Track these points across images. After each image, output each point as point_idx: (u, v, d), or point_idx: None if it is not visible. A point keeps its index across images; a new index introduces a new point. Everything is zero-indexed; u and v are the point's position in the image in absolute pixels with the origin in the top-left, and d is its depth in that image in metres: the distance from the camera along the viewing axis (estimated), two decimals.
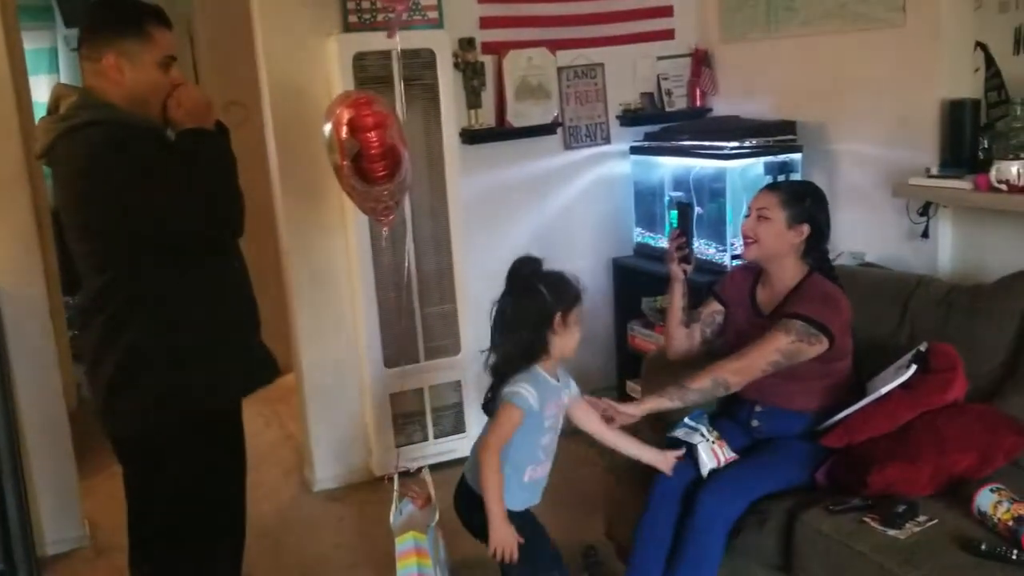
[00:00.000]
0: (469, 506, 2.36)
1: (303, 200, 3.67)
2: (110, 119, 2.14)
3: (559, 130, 4.07)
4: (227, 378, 2.31)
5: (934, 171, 3.01)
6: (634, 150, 4.14)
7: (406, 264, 3.27)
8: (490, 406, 2.35)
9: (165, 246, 2.16)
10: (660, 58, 4.23)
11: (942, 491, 2.28)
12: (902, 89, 3.21)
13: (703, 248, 3.76)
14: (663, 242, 4.00)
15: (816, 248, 2.63)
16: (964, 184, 2.85)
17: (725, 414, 2.77)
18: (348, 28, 3.60)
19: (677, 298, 2.75)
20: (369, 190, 2.56)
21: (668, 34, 4.23)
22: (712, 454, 2.50)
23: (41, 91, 5.87)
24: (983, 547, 2.05)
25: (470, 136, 3.87)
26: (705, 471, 2.48)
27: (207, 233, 2.21)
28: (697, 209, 3.77)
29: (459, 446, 3.91)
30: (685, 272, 2.70)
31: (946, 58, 3.04)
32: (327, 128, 2.64)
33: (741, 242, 2.71)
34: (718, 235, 3.68)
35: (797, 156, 3.61)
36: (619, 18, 4.13)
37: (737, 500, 2.44)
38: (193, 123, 2.23)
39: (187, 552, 2.33)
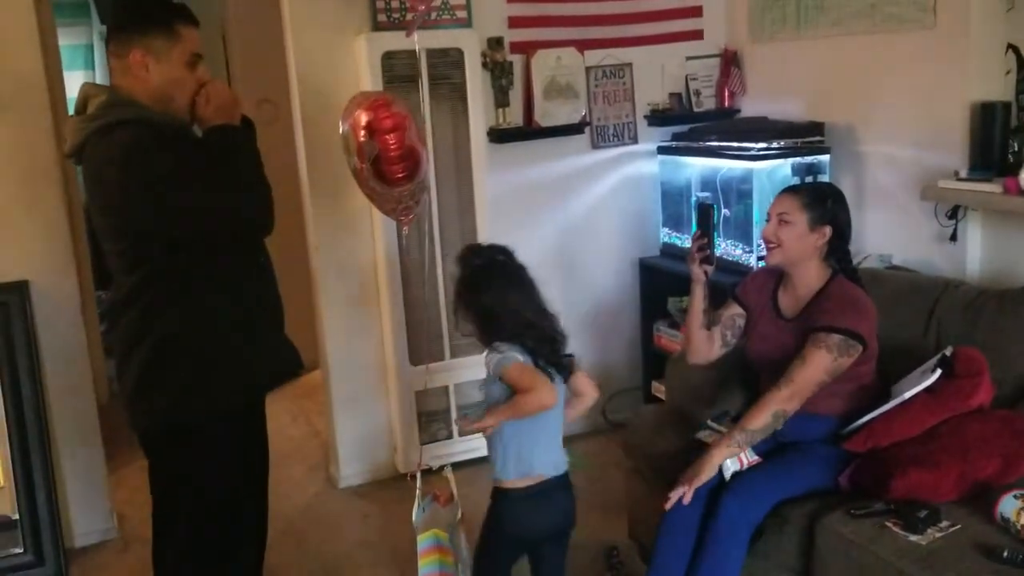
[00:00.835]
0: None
1: (330, 197, 3.71)
2: (139, 118, 2.16)
3: (587, 130, 4.07)
4: (253, 374, 2.34)
5: (963, 174, 2.98)
6: (661, 150, 4.14)
7: (425, 264, 3.28)
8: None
9: (194, 244, 2.19)
10: (689, 58, 4.22)
11: (965, 497, 2.26)
12: (932, 91, 3.18)
13: (729, 249, 3.75)
14: (689, 243, 3.99)
15: (838, 249, 2.62)
16: (993, 187, 2.83)
17: None
18: (377, 27, 3.62)
19: (698, 300, 2.73)
20: (389, 192, 2.57)
21: (697, 34, 4.22)
22: (735, 457, 2.49)
23: (76, 87, 5.97)
24: (1005, 554, 2.03)
25: (498, 135, 3.89)
26: (728, 474, 2.47)
27: (238, 230, 2.24)
28: (724, 211, 3.77)
29: (482, 444, 3.89)
30: (707, 273, 2.69)
31: (977, 60, 3.01)
32: (344, 129, 2.66)
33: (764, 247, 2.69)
34: (745, 236, 3.67)
35: (825, 158, 3.59)
36: (648, 18, 4.12)
37: (760, 503, 2.43)
38: (221, 119, 2.25)
39: (210, 546, 2.36)
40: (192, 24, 2.26)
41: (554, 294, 4.07)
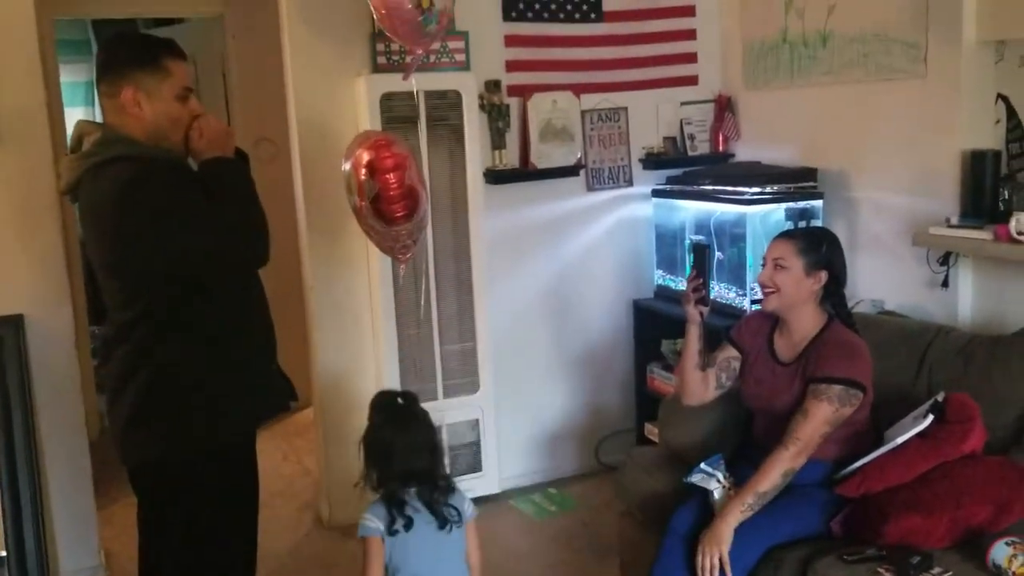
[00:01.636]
0: None
1: (327, 236, 3.73)
2: (134, 154, 2.16)
3: (582, 172, 4.11)
4: (245, 407, 2.34)
5: (954, 221, 3.01)
6: (656, 193, 4.18)
7: (422, 301, 3.30)
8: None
9: (190, 280, 2.19)
10: (684, 103, 4.27)
11: (958, 543, 2.26)
12: (923, 139, 3.22)
13: (723, 292, 3.77)
14: (683, 285, 4.01)
15: (834, 294, 2.64)
16: (984, 234, 2.86)
17: (742, 460, 2.77)
18: (377, 69, 3.67)
19: (693, 340, 2.74)
20: (388, 230, 2.60)
21: (692, 80, 4.28)
22: (727, 500, 2.49)
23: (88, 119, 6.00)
24: None
25: (494, 176, 3.92)
26: (717, 508, 2.47)
27: (235, 262, 2.24)
28: (718, 254, 3.80)
29: (475, 485, 3.91)
30: (702, 315, 2.70)
31: (967, 109, 3.06)
32: (346, 168, 2.68)
33: (759, 292, 2.70)
34: (738, 279, 3.69)
35: (818, 203, 3.63)
36: (644, 63, 4.18)
37: (752, 547, 2.42)
38: (215, 152, 2.26)
39: None
40: (180, 58, 2.27)
41: (548, 334, 4.14)
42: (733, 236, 3.73)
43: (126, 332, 2.22)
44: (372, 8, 2.68)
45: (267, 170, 4.73)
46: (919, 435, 2.43)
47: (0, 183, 3.19)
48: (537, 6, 3.96)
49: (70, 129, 2.38)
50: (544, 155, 3.99)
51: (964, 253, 3.07)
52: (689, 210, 4.01)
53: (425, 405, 3.55)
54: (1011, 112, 2.99)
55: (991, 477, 2.31)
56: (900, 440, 2.44)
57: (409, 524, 2.21)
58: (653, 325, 4.10)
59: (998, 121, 3.03)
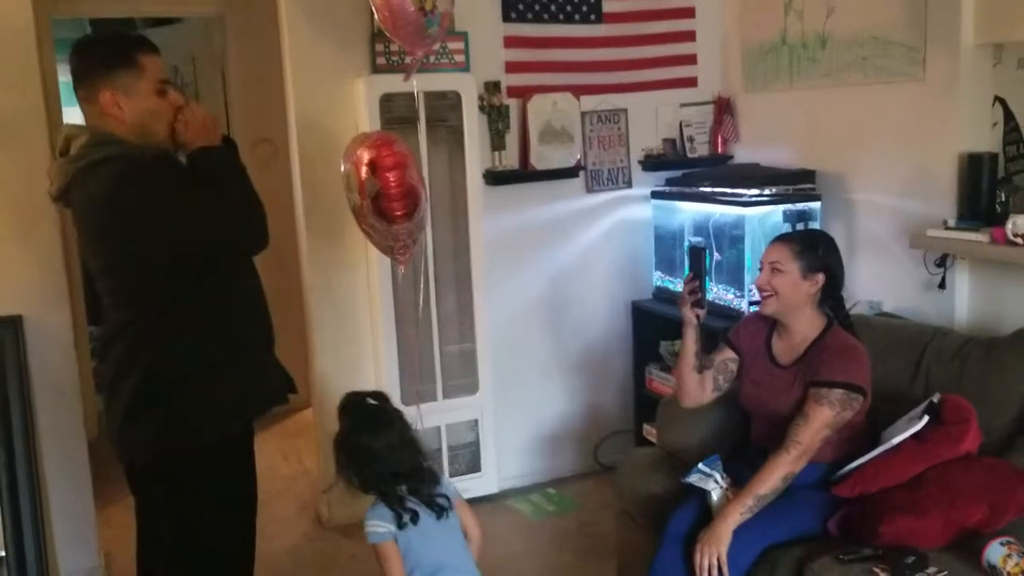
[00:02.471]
0: None
1: (327, 237, 3.74)
2: (123, 154, 2.16)
3: (581, 173, 4.12)
4: (242, 401, 2.34)
5: (951, 223, 3.02)
6: (655, 195, 4.18)
7: (420, 302, 3.31)
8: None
9: (183, 276, 2.18)
10: (683, 105, 4.28)
11: (953, 543, 2.27)
12: (921, 141, 3.23)
13: (721, 293, 3.78)
14: (682, 286, 4.02)
15: (831, 296, 2.65)
16: (981, 237, 2.86)
17: (739, 460, 2.77)
18: (376, 70, 3.68)
19: (690, 342, 2.75)
20: (388, 229, 2.61)
21: (691, 82, 4.29)
22: (726, 501, 2.50)
23: (74, 122, 6.00)
24: None
25: (494, 177, 3.93)
26: (716, 509, 2.48)
27: (235, 246, 2.24)
28: (716, 256, 3.81)
29: (474, 485, 3.92)
30: (698, 317, 2.71)
31: (965, 112, 3.07)
32: (346, 168, 2.69)
33: (758, 295, 2.71)
34: (736, 281, 3.70)
35: (816, 205, 3.63)
36: (643, 65, 4.19)
37: (749, 548, 2.43)
38: (202, 141, 2.26)
39: None
40: (152, 52, 2.25)
41: (547, 335, 4.15)
42: (732, 238, 3.74)
43: (120, 332, 2.23)
44: (375, 10, 2.69)
45: (266, 171, 4.74)
46: (915, 436, 2.43)
47: None
48: (537, 7, 3.97)
49: None
50: (543, 156, 4.00)
51: (961, 255, 3.07)
52: (688, 212, 4.02)
53: (424, 406, 3.61)
54: (1008, 115, 3.00)
55: (986, 478, 2.32)
56: (896, 441, 2.45)
57: (415, 517, 2.23)
58: (652, 326, 4.11)
59: (995, 124, 3.04)
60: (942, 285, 3.16)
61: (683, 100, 4.28)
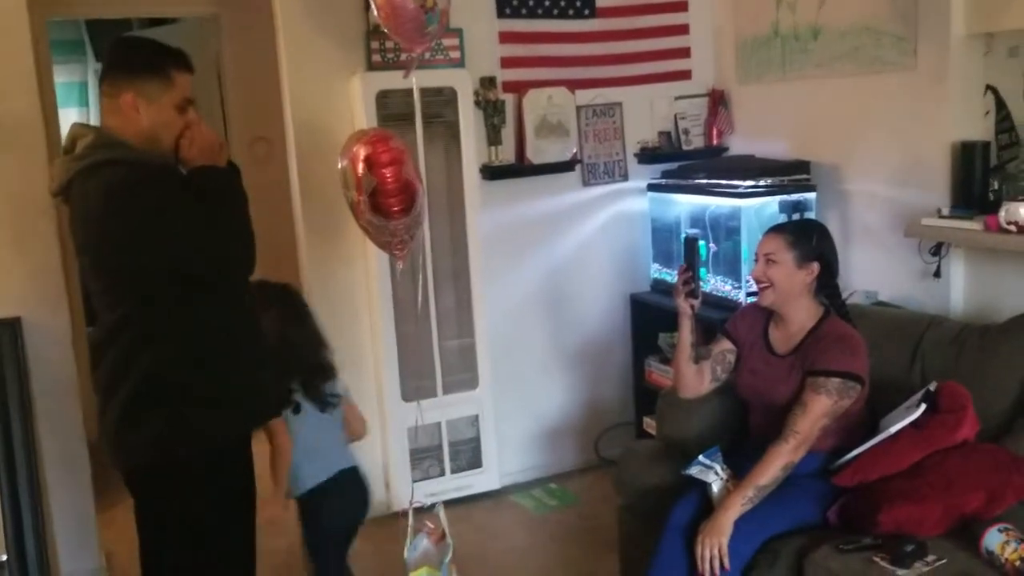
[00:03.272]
0: None
1: (324, 234, 3.74)
2: (126, 158, 2.17)
3: (578, 167, 4.13)
4: (235, 412, 2.33)
5: (945, 212, 3.03)
6: (651, 187, 4.20)
7: (419, 298, 3.32)
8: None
9: (177, 282, 2.19)
10: (678, 98, 4.29)
11: (951, 530, 2.29)
12: (914, 131, 3.25)
13: (719, 285, 3.79)
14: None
15: (827, 284, 2.66)
16: (974, 225, 2.88)
17: (739, 452, 2.79)
18: (372, 67, 3.69)
19: (686, 333, 2.76)
20: (385, 225, 2.61)
21: (685, 75, 4.30)
22: (726, 492, 2.51)
23: (70, 124, 6.00)
24: None
25: (490, 172, 3.94)
26: (716, 500, 2.50)
27: (219, 268, 2.24)
28: (712, 246, 3.82)
29: (476, 481, 3.94)
30: (693, 307, 2.72)
31: (957, 101, 3.08)
32: (343, 165, 2.70)
33: (755, 286, 2.72)
34: (734, 272, 3.72)
35: (811, 195, 3.65)
36: (638, 59, 4.20)
37: (750, 539, 2.44)
38: (205, 161, 2.27)
39: None
40: (187, 70, 2.28)
41: (546, 329, 4.16)
42: (728, 229, 3.76)
43: (113, 335, 2.23)
44: (375, 8, 2.68)
45: (263, 169, 4.75)
46: (912, 424, 2.45)
47: None
48: (531, 3, 3.97)
49: (64, 130, 2.39)
50: (540, 151, 4.01)
51: (955, 243, 3.09)
52: (684, 204, 4.03)
53: (425, 402, 3.63)
54: (1000, 103, 3.01)
55: (983, 465, 2.34)
56: (893, 430, 2.47)
57: (297, 408, 2.70)
58: (650, 319, 4.13)
59: (987, 112, 3.05)
60: (937, 274, 3.17)
61: (678, 93, 4.29)
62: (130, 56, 2.29)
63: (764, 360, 2.71)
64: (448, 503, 2.94)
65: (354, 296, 3.82)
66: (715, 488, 2.55)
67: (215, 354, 2.27)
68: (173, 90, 2.24)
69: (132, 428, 2.24)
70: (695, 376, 2.80)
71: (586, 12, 4.07)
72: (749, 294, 3.56)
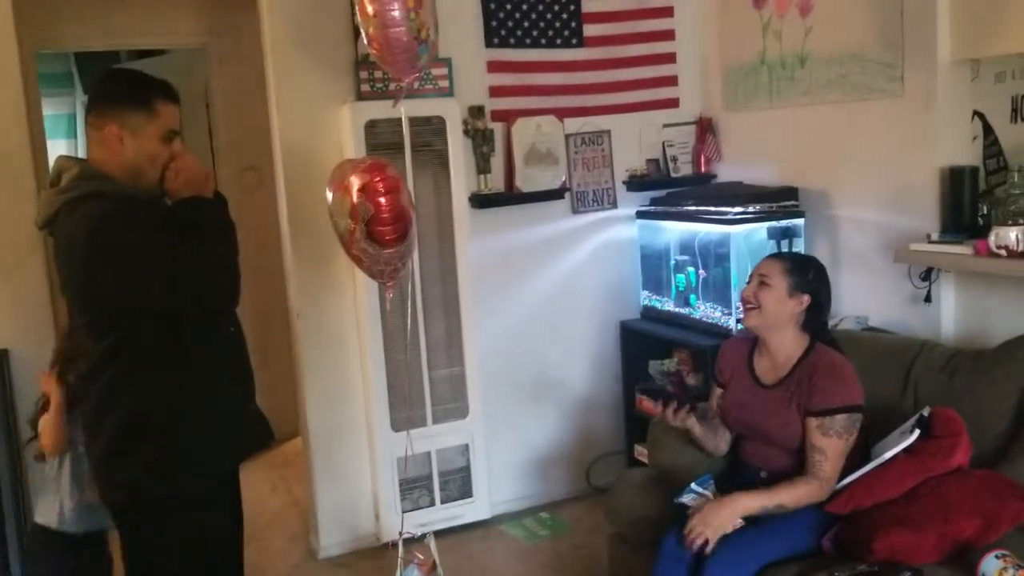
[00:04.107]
0: None
1: (313, 263, 3.73)
2: (110, 191, 2.17)
3: (567, 195, 4.14)
4: (219, 449, 2.31)
5: (935, 237, 3.04)
6: (640, 215, 4.20)
7: (408, 327, 3.32)
8: None
9: (161, 317, 2.17)
10: (666, 125, 4.31)
11: (947, 557, 2.27)
12: (902, 157, 3.26)
13: (708, 311, 3.79)
14: (670, 305, 4.04)
15: (815, 321, 2.66)
16: (964, 249, 2.88)
17: (732, 480, 2.77)
18: (361, 96, 3.69)
19: (697, 431, 2.76)
20: (379, 253, 2.61)
21: (673, 103, 4.32)
22: (702, 499, 2.52)
23: (68, 154, 5.99)
24: None
25: (480, 200, 3.94)
26: (691, 509, 2.51)
27: (202, 302, 2.21)
28: (701, 273, 3.83)
29: (467, 511, 3.91)
30: (689, 413, 2.72)
31: (944, 127, 3.09)
32: (333, 195, 2.69)
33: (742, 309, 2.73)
34: (723, 299, 3.71)
35: (800, 221, 3.66)
36: (625, 87, 4.22)
37: (744, 567, 2.42)
38: (191, 192, 2.25)
39: None
40: (171, 101, 2.27)
41: (536, 357, 4.14)
42: (717, 256, 3.76)
43: (98, 369, 2.22)
44: (367, 39, 2.69)
45: (253, 199, 4.75)
46: (906, 450, 2.44)
47: None
48: (519, 32, 4.00)
49: (52, 163, 2.38)
50: (529, 179, 4.02)
51: (945, 268, 3.09)
52: (674, 231, 4.04)
53: (414, 431, 3.60)
54: (987, 128, 3.03)
55: (978, 491, 2.33)
56: (887, 456, 2.45)
57: None
58: (640, 346, 4.12)
59: (975, 137, 3.07)
60: (928, 299, 3.18)
61: (666, 121, 4.31)
62: (114, 87, 2.28)
63: (751, 391, 2.70)
64: (438, 533, 2.92)
65: (343, 325, 3.80)
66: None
67: (199, 389, 2.25)
68: (157, 121, 2.23)
69: (115, 465, 2.23)
70: (715, 436, 2.80)
71: (574, 41, 4.09)
72: (739, 320, 3.56)
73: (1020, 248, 2.72)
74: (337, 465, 3.85)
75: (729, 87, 4.15)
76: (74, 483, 2.68)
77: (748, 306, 2.65)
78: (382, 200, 2.57)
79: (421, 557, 2.72)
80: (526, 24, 4.01)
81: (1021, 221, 2.77)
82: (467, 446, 3.91)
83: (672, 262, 4.04)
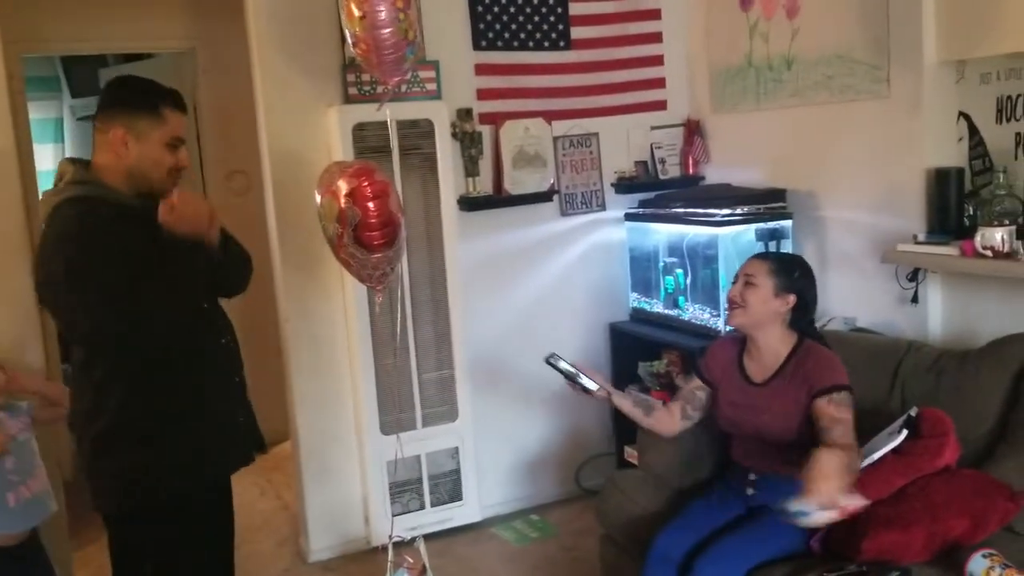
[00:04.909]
0: None
1: (301, 268, 3.72)
2: (95, 196, 2.17)
3: (555, 197, 4.14)
4: (206, 459, 2.31)
5: (921, 238, 3.05)
6: (629, 217, 4.21)
7: (397, 330, 3.31)
8: None
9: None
10: (654, 128, 4.32)
11: (936, 557, 2.28)
12: (888, 158, 3.28)
13: (697, 313, 3.80)
14: (659, 307, 4.05)
15: (801, 320, 2.67)
16: (950, 250, 2.90)
17: (721, 482, 2.78)
18: (348, 100, 3.69)
19: (624, 406, 2.82)
20: (367, 258, 2.60)
21: (661, 105, 4.33)
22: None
23: (46, 161, 5.97)
24: None
25: (468, 203, 3.94)
26: (593, 386, 2.71)
27: (128, 336, 2.14)
28: (689, 276, 3.83)
29: (456, 514, 3.90)
30: (608, 393, 2.77)
31: (930, 128, 3.11)
32: (321, 199, 2.68)
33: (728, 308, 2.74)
34: (711, 300, 3.72)
35: (787, 223, 3.67)
36: (613, 90, 4.22)
37: (734, 568, 2.43)
38: (191, 230, 2.20)
39: None
40: (179, 110, 2.29)
41: (525, 360, 4.14)
42: (705, 257, 3.77)
43: (87, 371, 2.22)
44: (353, 41, 2.68)
45: (240, 203, 4.74)
46: (894, 451, 2.45)
47: None
48: (507, 35, 4.00)
49: (39, 167, 2.39)
50: (517, 181, 4.02)
51: (932, 269, 3.11)
52: (662, 233, 4.04)
53: (404, 435, 3.59)
54: (973, 130, 3.04)
55: (966, 490, 2.34)
56: (875, 456, 2.46)
57: None
58: (630, 348, 4.12)
59: (961, 139, 3.09)
60: (915, 299, 3.19)
61: (653, 123, 4.31)
62: (123, 92, 2.30)
63: (742, 391, 2.71)
64: (428, 537, 2.91)
65: (332, 329, 3.79)
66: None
67: (185, 398, 2.25)
68: (164, 127, 2.25)
69: (100, 472, 2.23)
70: (667, 417, 2.83)
71: (561, 44, 4.10)
72: (728, 322, 3.56)
73: (1006, 249, 2.73)
74: (326, 469, 3.84)
75: (716, 89, 4.16)
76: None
77: (734, 306, 2.66)
78: (370, 205, 2.56)
79: (411, 561, 2.71)
80: (514, 27, 4.01)
81: (1007, 222, 2.79)
82: (457, 449, 3.90)
83: (661, 264, 4.04)
